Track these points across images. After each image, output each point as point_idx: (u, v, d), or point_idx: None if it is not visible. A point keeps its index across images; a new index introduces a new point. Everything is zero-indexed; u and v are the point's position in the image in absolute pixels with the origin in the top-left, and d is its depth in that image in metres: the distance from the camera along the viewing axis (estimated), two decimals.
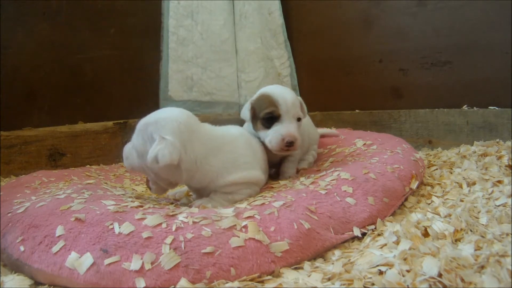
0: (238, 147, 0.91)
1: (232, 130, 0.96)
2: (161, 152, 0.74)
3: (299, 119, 0.98)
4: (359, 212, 0.74)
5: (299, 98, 1.04)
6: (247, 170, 0.88)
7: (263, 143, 0.99)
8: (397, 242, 0.63)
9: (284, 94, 0.98)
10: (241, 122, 1.09)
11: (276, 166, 1.11)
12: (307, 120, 1.18)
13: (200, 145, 0.82)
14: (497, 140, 1.22)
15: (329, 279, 0.56)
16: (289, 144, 0.93)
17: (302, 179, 0.92)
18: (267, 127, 0.96)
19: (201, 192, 0.90)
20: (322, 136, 1.33)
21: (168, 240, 0.59)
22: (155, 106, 1.72)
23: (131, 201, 0.77)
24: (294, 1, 1.87)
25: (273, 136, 0.95)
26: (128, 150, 0.84)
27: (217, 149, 0.85)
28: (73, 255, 0.58)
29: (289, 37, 1.84)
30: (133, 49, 1.69)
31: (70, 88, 1.52)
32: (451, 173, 1.03)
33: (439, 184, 0.96)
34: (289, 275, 0.57)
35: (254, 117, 1.00)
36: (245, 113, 1.01)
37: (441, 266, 0.52)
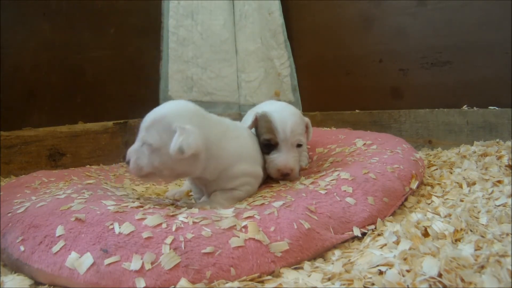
0: (244, 137, 0.92)
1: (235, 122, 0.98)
2: (185, 142, 0.73)
3: (299, 145, 0.96)
4: (359, 212, 0.74)
5: (306, 119, 1.01)
6: (252, 162, 0.89)
7: None
8: (397, 242, 0.64)
9: (286, 120, 0.94)
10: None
11: None
12: None
13: (213, 130, 0.82)
14: (497, 140, 1.22)
15: (329, 279, 0.56)
16: (286, 175, 0.93)
17: (302, 179, 0.92)
18: (266, 153, 0.96)
19: (206, 186, 0.88)
20: None
21: (168, 240, 0.59)
22: (155, 106, 1.70)
23: (131, 201, 0.77)
24: (294, 1, 1.87)
25: (269, 164, 0.94)
26: (136, 151, 0.79)
27: (228, 134, 0.86)
28: (73, 255, 0.58)
29: (289, 37, 1.84)
30: (133, 49, 1.69)
31: (70, 88, 1.52)
32: (451, 173, 1.03)
33: (439, 184, 0.96)
34: (289, 275, 0.57)
35: (257, 133, 1.00)
36: (248, 123, 1.00)
37: (441, 266, 0.52)
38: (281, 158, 0.93)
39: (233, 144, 0.85)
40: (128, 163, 0.79)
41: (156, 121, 0.78)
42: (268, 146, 0.95)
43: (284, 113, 0.96)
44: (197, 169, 0.80)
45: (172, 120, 0.77)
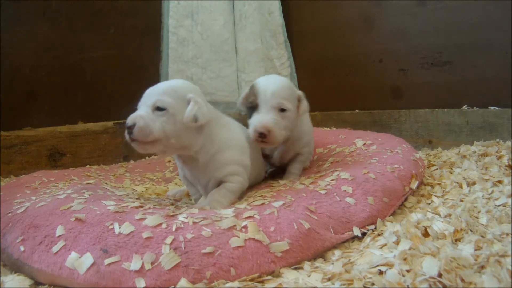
0: (233, 126, 0.96)
1: None
2: (200, 112, 0.81)
3: (283, 110, 0.92)
4: (359, 212, 0.74)
5: (299, 92, 0.98)
6: (239, 151, 0.91)
7: None
8: (397, 242, 0.64)
9: (269, 83, 0.93)
10: (242, 122, 1.09)
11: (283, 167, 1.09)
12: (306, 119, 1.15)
13: (212, 113, 0.87)
14: (497, 140, 1.22)
15: (329, 279, 0.56)
16: (261, 135, 0.89)
17: (302, 179, 0.92)
18: (250, 117, 0.94)
19: (200, 178, 0.90)
20: None
21: (168, 240, 0.59)
22: None
23: (131, 201, 0.77)
24: (294, 1, 1.87)
25: (249, 126, 0.92)
26: (143, 116, 0.78)
27: (219, 121, 0.91)
28: (73, 255, 0.58)
29: (289, 37, 1.84)
30: (133, 49, 1.69)
31: (70, 88, 1.52)
32: (451, 173, 1.03)
33: (439, 184, 0.96)
34: (289, 275, 0.57)
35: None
36: (239, 100, 1.00)
37: (441, 266, 0.52)
38: (259, 118, 0.90)
39: (223, 130, 0.90)
40: (130, 128, 0.77)
41: (172, 89, 0.83)
42: (251, 109, 0.94)
43: (270, 79, 0.97)
44: (197, 143, 0.85)
45: (187, 92, 0.83)
